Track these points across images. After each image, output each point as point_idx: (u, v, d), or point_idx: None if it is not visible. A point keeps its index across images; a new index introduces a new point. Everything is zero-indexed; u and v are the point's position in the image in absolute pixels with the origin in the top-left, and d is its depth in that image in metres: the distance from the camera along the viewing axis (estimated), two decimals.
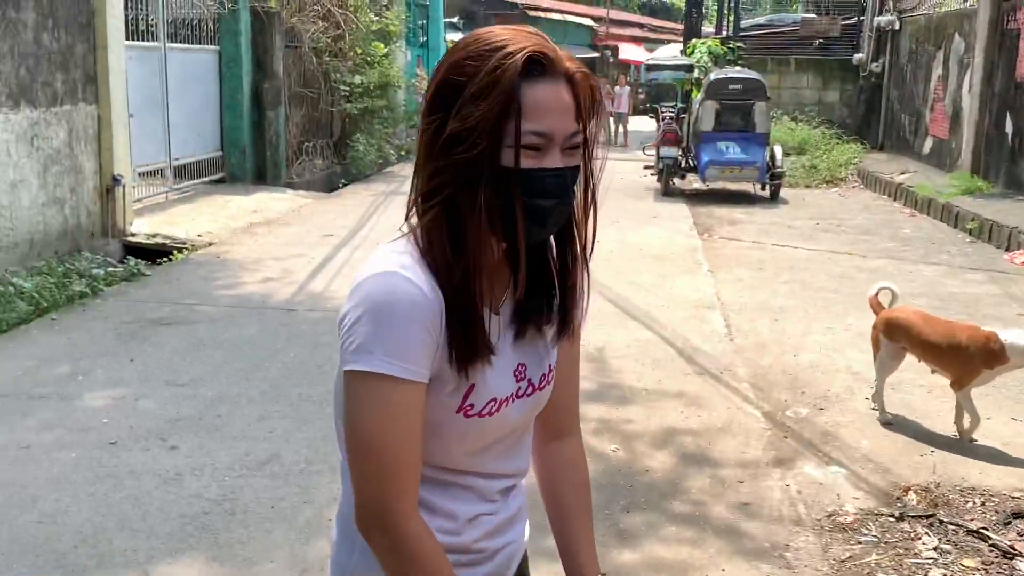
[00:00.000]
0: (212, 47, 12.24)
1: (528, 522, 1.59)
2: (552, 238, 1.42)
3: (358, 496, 1.32)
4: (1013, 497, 4.18)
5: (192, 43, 11.81)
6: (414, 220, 1.36)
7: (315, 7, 13.77)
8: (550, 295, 1.43)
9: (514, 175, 1.28)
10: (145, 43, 10.65)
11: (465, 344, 1.32)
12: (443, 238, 1.32)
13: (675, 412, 5.15)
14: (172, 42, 11.23)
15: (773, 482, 4.33)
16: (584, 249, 1.42)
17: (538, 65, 1.29)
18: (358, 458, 1.31)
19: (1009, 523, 3.91)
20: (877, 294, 5.34)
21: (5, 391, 5.21)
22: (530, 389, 1.44)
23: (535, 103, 1.28)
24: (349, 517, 1.37)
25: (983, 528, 3.85)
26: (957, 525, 3.91)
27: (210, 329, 6.39)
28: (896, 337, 5.03)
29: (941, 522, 3.95)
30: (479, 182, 1.29)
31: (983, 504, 4.12)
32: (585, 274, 1.45)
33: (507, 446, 1.47)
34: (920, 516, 3.99)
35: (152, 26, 10.83)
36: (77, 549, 3.57)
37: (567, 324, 1.46)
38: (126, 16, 9.84)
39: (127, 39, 9.78)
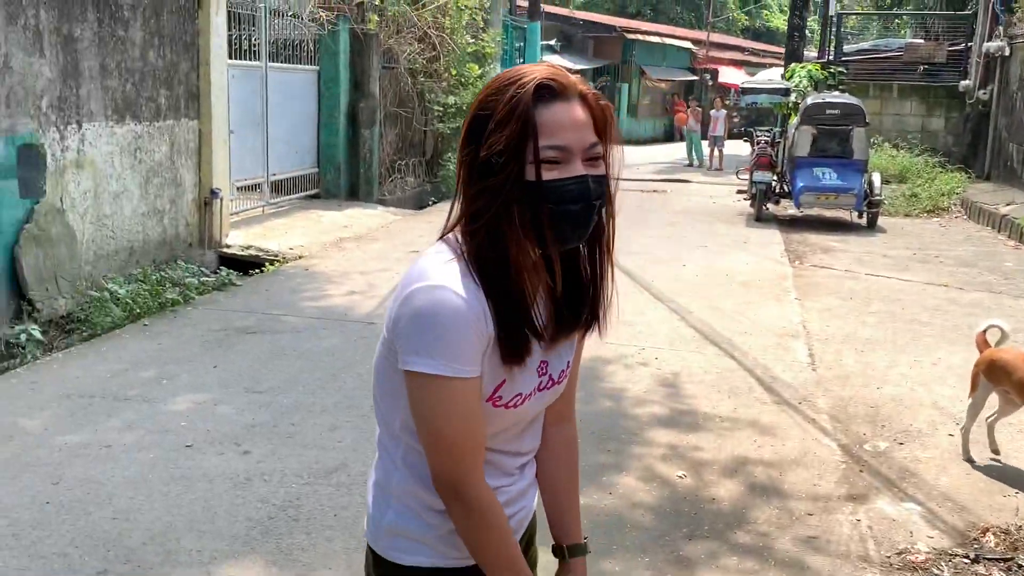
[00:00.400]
0: (312, 67, 12.60)
1: (537, 489, 1.80)
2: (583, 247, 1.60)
3: (437, 473, 1.53)
4: None
5: (293, 63, 12.19)
6: (455, 234, 1.54)
7: (412, 29, 14.04)
8: (583, 306, 1.61)
9: (539, 187, 1.45)
10: (248, 62, 11.03)
11: (511, 345, 1.51)
12: (491, 255, 1.48)
13: (748, 441, 5.05)
14: (273, 61, 11.61)
15: (843, 516, 4.21)
16: (609, 253, 1.61)
17: (548, 89, 1.47)
18: (434, 445, 1.51)
19: None
20: (985, 331, 5.04)
21: (93, 392, 5.43)
22: (549, 383, 1.63)
23: (550, 122, 1.46)
24: (384, 484, 1.64)
25: None
26: None
27: (292, 339, 6.55)
28: (998, 379, 4.74)
29: (1020, 566, 3.77)
30: (512, 199, 1.46)
31: None
32: (611, 276, 1.63)
33: (524, 429, 1.69)
34: (997, 559, 3.83)
35: (255, 46, 11.21)
36: (146, 546, 3.70)
37: (592, 323, 1.64)
38: (230, 36, 10.22)
39: (230, 58, 10.15)
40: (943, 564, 3.82)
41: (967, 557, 3.86)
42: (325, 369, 5.91)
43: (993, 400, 4.93)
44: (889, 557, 3.88)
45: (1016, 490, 4.52)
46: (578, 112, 1.48)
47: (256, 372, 5.84)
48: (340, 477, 4.38)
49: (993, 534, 4.06)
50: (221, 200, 9.43)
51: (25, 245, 6.88)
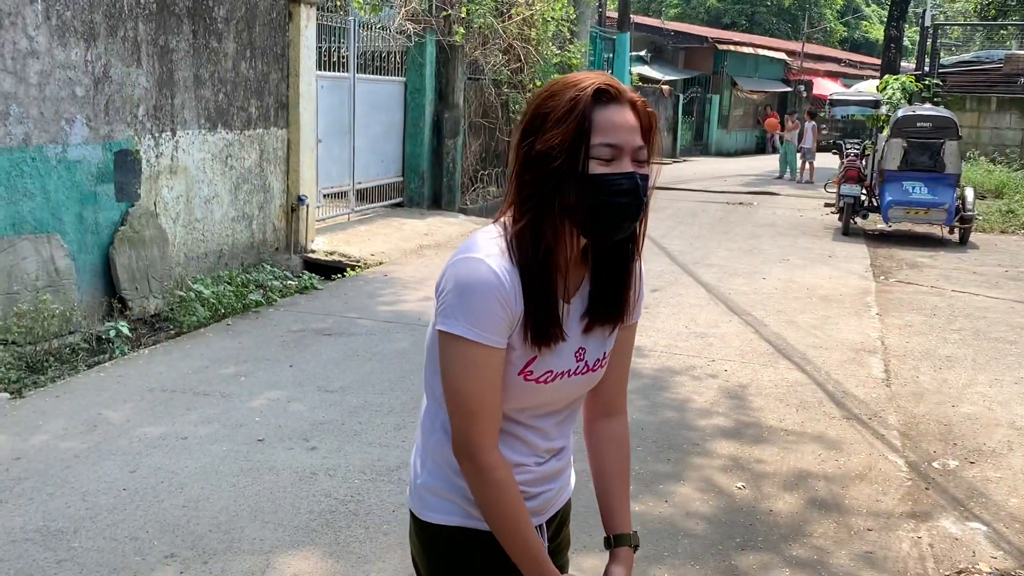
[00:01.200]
0: (398, 78, 12.87)
1: (573, 478, 1.92)
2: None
3: (453, 431, 1.67)
4: None
5: (380, 74, 12.47)
6: (505, 218, 1.68)
7: (497, 41, 14.21)
8: (617, 293, 1.75)
9: (593, 180, 1.59)
10: (336, 73, 11.34)
11: (538, 326, 1.64)
12: (529, 237, 1.62)
13: (812, 455, 5.00)
14: (361, 73, 11.90)
15: (904, 533, 4.13)
16: (638, 252, 1.75)
17: (605, 94, 1.62)
18: (451, 401, 1.65)
19: None
20: None
21: (175, 387, 5.68)
22: (585, 369, 1.75)
23: (605, 122, 1.61)
24: (421, 446, 1.80)
25: None
26: None
27: (366, 341, 6.72)
28: None
29: None
30: (561, 189, 1.60)
31: None
32: (639, 270, 1.77)
33: (559, 413, 1.79)
34: None
35: (343, 58, 11.52)
36: (211, 533, 3.87)
37: (624, 314, 1.78)
38: (319, 48, 10.53)
39: (319, 69, 10.46)
40: None
41: None
42: (394, 371, 6.06)
43: None
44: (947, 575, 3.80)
45: None
46: (629, 116, 1.63)
47: (329, 372, 6.02)
48: (401, 475, 4.49)
49: None
50: (307, 207, 9.71)
51: (119, 246, 7.23)
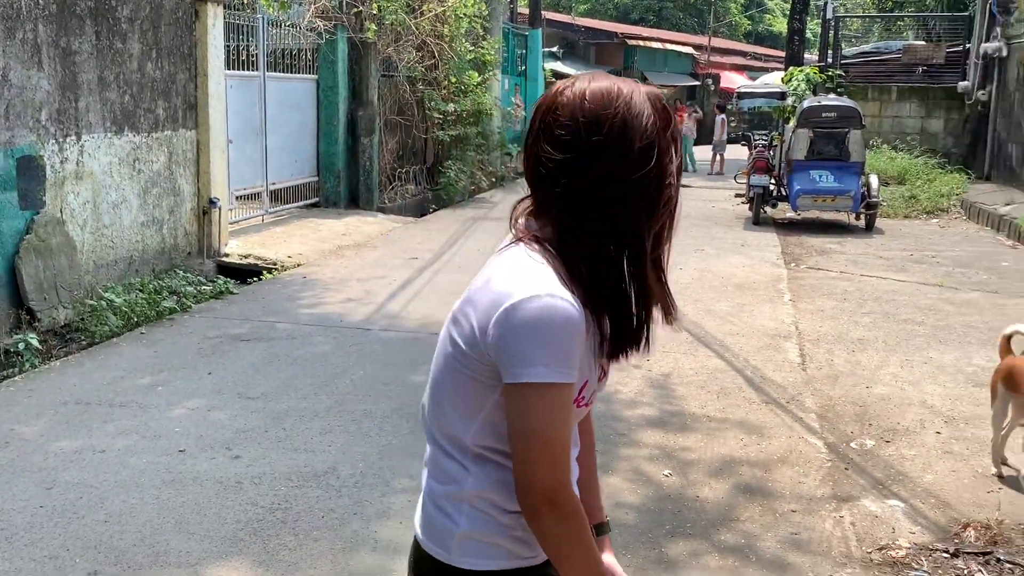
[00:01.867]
0: (310, 76, 12.69)
1: None
2: None
3: (533, 482, 1.54)
4: None
5: (291, 72, 12.28)
6: (540, 240, 1.59)
7: (410, 37, 14.13)
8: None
9: (666, 192, 1.60)
10: (246, 72, 11.12)
11: (620, 342, 1.60)
12: (605, 259, 1.56)
13: (735, 440, 5.10)
14: (272, 71, 11.70)
15: (827, 514, 4.25)
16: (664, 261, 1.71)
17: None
18: (539, 452, 1.53)
19: None
20: (1010, 337, 4.79)
21: (89, 399, 5.50)
22: (602, 374, 1.69)
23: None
24: (453, 493, 1.64)
25: None
26: (1014, 564, 3.76)
27: (287, 346, 6.61)
28: (1015, 388, 4.54)
29: (998, 560, 3.81)
30: (647, 205, 1.58)
31: None
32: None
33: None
34: (976, 553, 3.86)
35: (253, 56, 11.30)
36: (135, 548, 3.76)
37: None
38: (227, 47, 10.31)
39: (228, 68, 10.25)
40: (923, 559, 3.86)
41: (947, 552, 3.90)
42: (318, 375, 5.97)
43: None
44: (870, 553, 3.92)
45: (1001, 486, 4.56)
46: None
47: (249, 378, 5.90)
48: (329, 480, 4.44)
49: (974, 529, 4.09)
50: (220, 209, 9.51)
51: (25, 256, 6.96)
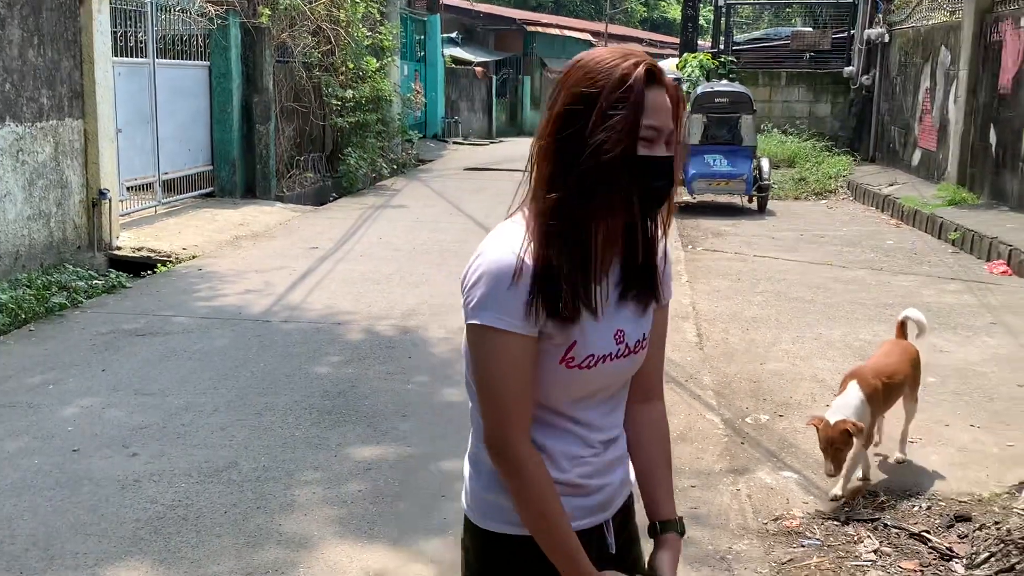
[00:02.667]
0: (202, 62, 12.37)
1: (632, 470, 1.88)
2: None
3: (484, 427, 1.67)
4: (960, 502, 4.23)
5: (182, 59, 11.94)
6: (525, 207, 1.67)
7: (306, 22, 13.89)
8: (648, 272, 1.73)
9: (639, 161, 1.59)
10: (134, 59, 10.77)
11: (567, 307, 1.61)
12: (562, 218, 1.60)
13: None
14: (161, 58, 11.36)
15: (724, 487, 4.38)
16: (667, 230, 1.73)
17: (651, 75, 1.61)
18: (480, 395, 1.66)
19: (952, 526, 3.95)
20: (904, 322, 4.85)
21: None
22: (627, 352, 1.72)
23: (651, 104, 1.60)
24: (476, 456, 1.76)
25: (925, 531, 3.90)
26: (900, 528, 3.95)
27: (183, 340, 6.46)
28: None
29: (885, 525, 4.00)
30: (606, 169, 1.57)
31: (929, 508, 4.17)
32: (665, 249, 1.77)
33: (607, 403, 1.77)
34: (865, 520, 4.04)
35: (141, 42, 10.95)
36: (29, 552, 3.64)
37: (657, 292, 1.76)
38: (115, 33, 9.97)
39: (116, 55, 9.91)
40: (815, 527, 4.02)
41: (838, 520, 4.07)
42: (216, 369, 5.86)
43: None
44: (766, 524, 4.06)
45: (885, 455, 4.77)
46: (666, 99, 1.62)
47: (145, 374, 5.75)
48: (231, 475, 4.37)
49: (863, 496, 4.28)
50: (110, 201, 9.20)
51: None
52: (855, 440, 4.05)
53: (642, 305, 1.74)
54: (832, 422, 4.08)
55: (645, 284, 1.73)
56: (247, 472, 4.39)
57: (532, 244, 1.61)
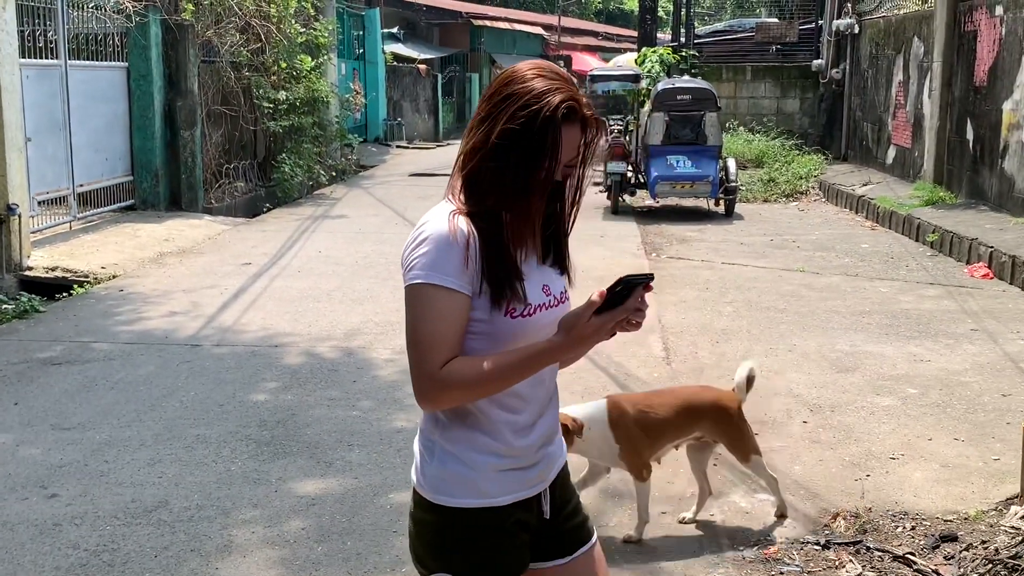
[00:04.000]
0: (119, 63, 12.24)
1: (564, 443, 2.31)
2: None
3: (413, 381, 1.99)
4: (945, 520, 4.31)
5: (98, 59, 11.81)
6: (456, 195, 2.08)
7: (233, 19, 13.81)
8: (559, 243, 2.19)
9: (543, 187, 2.04)
10: (44, 60, 10.64)
11: (496, 267, 2.00)
12: (490, 211, 2.03)
13: None
14: (74, 59, 11.22)
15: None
16: (570, 215, 2.17)
17: (569, 113, 1.99)
18: (412, 350, 1.98)
19: (937, 547, 4.03)
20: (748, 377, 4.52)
21: None
22: (555, 302, 2.13)
23: (565, 143, 2.00)
24: (428, 436, 2.12)
25: (909, 553, 3.97)
26: (883, 551, 4.02)
27: (104, 368, 6.37)
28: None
29: (868, 548, 4.06)
30: (517, 186, 2.01)
31: (913, 529, 4.24)
32: (568, 230, 2.21)
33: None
34: (846, 543, 4.10)
35: (52, 43, 10.81)
36: None
37: (564, 261, 2.21)
38: (21, 32, 9.84)
39: (23, 56, 9.79)
40: (795, 553, 4.08)
41: (818, 544, 4.13)
42: (142, 399, 5.78)
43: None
44: (742, 551, 4.10)
45: (868, 473, 4.85)
46: (577, 133, 2.01)
47: (63, 407, 5.66)
48: (161, 515, 4.31)
49: (843, 518, 4.35)
50: (19, 217, 9.05)
51: None
52: (574, 438, 3.87)
53: (557, 267, 2.18)
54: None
55: (557, 252, 2.17)
56: (179, 511, 4.34)
57: (464, 220, 2.01)
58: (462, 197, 2.05)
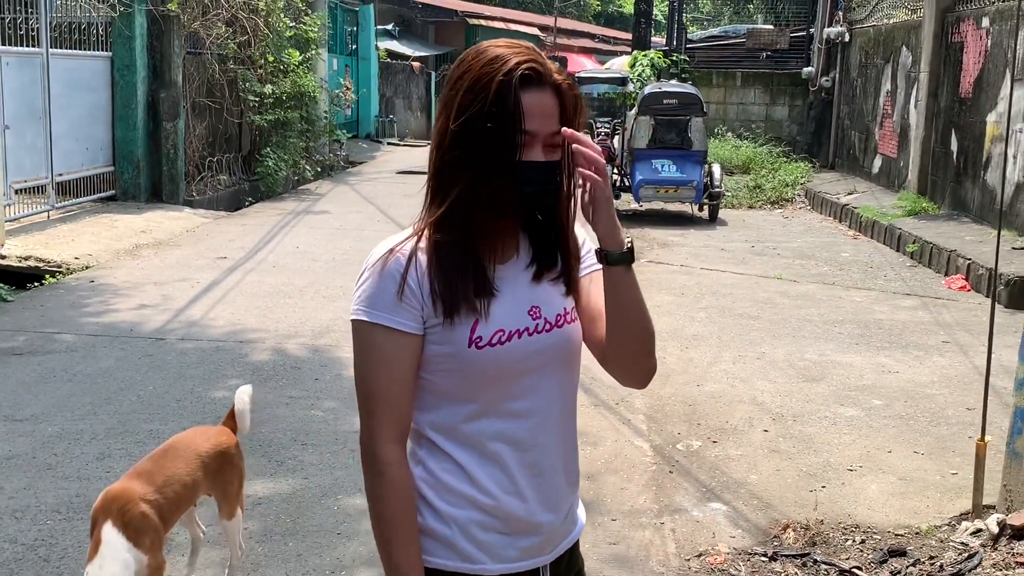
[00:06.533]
0: (103, 53, 12.14)
1: (582, 512, 1.98)
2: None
3: (361, 432, 1.78)
4: (896, 535, 4.27)
5: (81, 48, 11.72)
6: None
7: (220, 11, 13.73)
8: (555, 255, 1.83)
9: (515, 167, 1.70)
10: (25, 48, 10.55)
11: (450, 282, 1.73)
12: (449, 211, 1.74)
13: None
14: (56, 47, 11.14)
15: (647, 520, 4.37)
16: (569, 222, 1.82)
17: (530, 78, 1.70)
18: (357, 393, 1.77)
19: (885, 561, 3.98)
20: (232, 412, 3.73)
21: None
22: (548, 327, 1.79)
23: (529, 109, 1.69)
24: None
25: (856, 568, 3.92)
26: (830, 565, 3.97)
27: (65, 360, 6.30)
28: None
29: (815, 561, 4.01)
30: (484, 173, 1.70)
31: (863, 542, 4.20)
32: (570, 237, 1.85)
33: (538, 416, 1.81)
34: (794, 556, 4.06)
35: (34, 30, 10.73)
36: None
37: (568, 274, 1.85)
38: (2, 19, 9.76)
39: (3, 44, 9.71)
40: (741, 564, 4.03)
41: (765, 555, 4.08)
42: (98, 392, 5.72)
43: None
44: (688, 560, 4.05)
45: (824, 484, 4.80)
46: (548, 101, 1.72)
47: (18, 398, 5.59)
48: None
49: (793, 530, 4.30)
50: None
51: None
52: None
53: (560, 285, 1.83)
54: None
55: (555, 266, 1.82)
56: None
57: (417, 240, 1.76)
58: (429, 203, 1.78)
